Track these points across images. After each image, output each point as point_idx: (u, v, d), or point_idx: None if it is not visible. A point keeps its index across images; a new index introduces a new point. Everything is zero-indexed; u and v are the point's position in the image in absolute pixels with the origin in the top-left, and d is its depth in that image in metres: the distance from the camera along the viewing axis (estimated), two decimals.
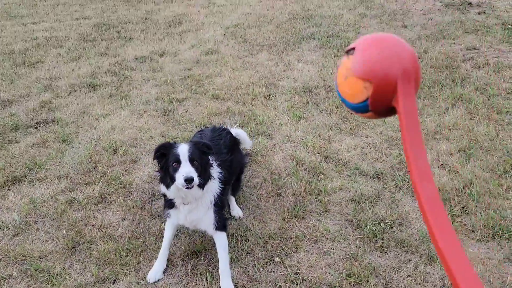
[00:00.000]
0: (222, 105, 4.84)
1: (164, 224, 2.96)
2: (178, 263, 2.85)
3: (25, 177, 3.69)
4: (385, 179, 3.53)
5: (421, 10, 7.72)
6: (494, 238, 2.88)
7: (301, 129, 4.32)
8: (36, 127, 4.51)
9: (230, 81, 5.41)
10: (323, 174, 3.62)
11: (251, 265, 2.81)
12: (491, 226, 2.95)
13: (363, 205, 3.25)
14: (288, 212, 3.22)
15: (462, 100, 4.58)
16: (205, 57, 6.28)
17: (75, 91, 5.32)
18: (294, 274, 2.73)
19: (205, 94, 5.14)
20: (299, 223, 3.14)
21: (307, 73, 5.56)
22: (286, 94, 5.03)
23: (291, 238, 3.00)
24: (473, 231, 2.95)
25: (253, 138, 4.19)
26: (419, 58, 5.71)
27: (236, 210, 3.27)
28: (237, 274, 2.74)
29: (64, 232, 3.08)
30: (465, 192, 3.27)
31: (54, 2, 9.78)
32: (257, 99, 4.94)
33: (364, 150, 3.93)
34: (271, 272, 2.76)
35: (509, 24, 6.60)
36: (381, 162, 3.74)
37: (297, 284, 2.65)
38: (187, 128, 4.38)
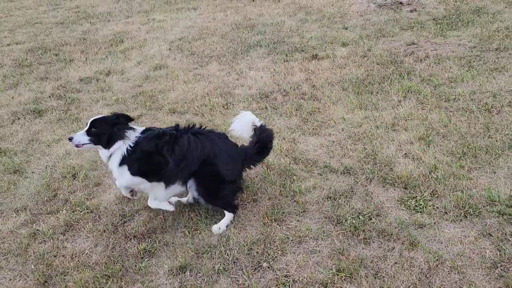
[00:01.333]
0: (181, 118, 4.74)
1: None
2: (165, 282, 2.71)
3: None
4: (355, 174, 3.60)
5: (357, 12, 8.06)
6: (466, 216, 3.02)
7: None
8: None
9: (185, 94, 5.32)
10: (295, 175, 3.63)
11: (240, 274, 2.74)
12: (461, 206, 3.09)
13: (339, 200, 3.29)
14: (267, 217, 3.19)
15: (411, 92, 4.80)
16: (154, 72, 6.13)
17: (19, 119, 4.98)
18: (285, 277, 2.70)
19: (161, 109, 5.00)
20: (280, 226, 3.12)
21: (261, 79, 5.59)
22: (244, 102, 5.02)
23: (275, 242, 2.96)
24: (445, 212, 3.08)
25: None
26: (365, 56, 5.94)
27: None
28: (228, 285, 2.66)
29: (33, 267, 2.85)
30: (431, 177, 3.42)
31: None
32: (215, 109, 4.89)
33: (330, 148, 3.99)
34: (261, 278, 2.71)
35: (439, 19, 7.05)
36: (348, 157, 3.82)
37: (289, 287, 2.62)
38: None
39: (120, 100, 5.28)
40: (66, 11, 10.22)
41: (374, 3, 8.46)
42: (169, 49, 7.10)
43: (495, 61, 5.26)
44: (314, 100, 4.92)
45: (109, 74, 6.16)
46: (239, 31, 7.69)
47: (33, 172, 3.93)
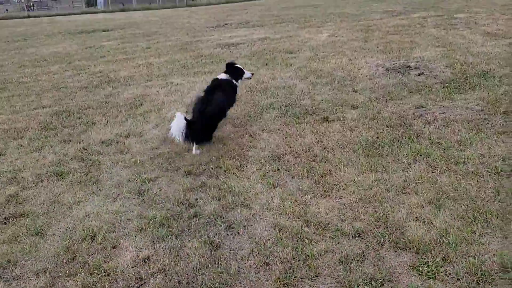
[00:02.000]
0: (196, 180, 4.90)
1: None
2: None
3: (0, 277, 3.49)
4: (366, 237, 3.65)
5: (367, 75, 8.39)
6: (479, 283, 3.02)
7: (277, 196, 4.43)
8: (5, 223, 4.32)
9: (200, 156, 5.52)
10: (307, 238, 3.69)
11: None
12: (474, 273, 3.10)
13: (351, 265, 3.33)
14: (279, 281, 3.23)
15: (421, 155, 4.92)
16: None
17: (42, 181, 5.19)
18: None
19: (177, 171, 5.19)
20: None
21: (273, 141, 5.78)
22: (257, 164, 5.19)
23: None
24: (458, 279, 3.08)
25: (232, 209, 4.25)
26: (374, 119, 6.13)
27: None
28: None
29: None
30: (443, 242, 3.45)
31: (8, 94, 9.69)
32: (229, 171, 5.05)
33: (341, 211, 4.07)
34: None
35: (446, 83, 7.30)
36: (359, 221, 3.88)
37: None
38: (164, 207, 4.37)
39: (138, 162, 5.49)
40: (90, 76, 10.82)
41: (382, 67, 8.81)
42: (186, 111, 7.41)
43: (503, 124, 5.39)
44: (325, 162, 5.06)
45: (129, 136, 6.45)
46: (253, 94, 8.04)
47: (53, 234, 4.06)
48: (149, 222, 4.14)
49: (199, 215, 4.19)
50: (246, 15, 26.90)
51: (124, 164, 5.51)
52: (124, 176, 5.15)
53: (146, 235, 3.96)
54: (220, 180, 4.87)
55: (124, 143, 6.19)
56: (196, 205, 4.39)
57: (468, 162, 4.61)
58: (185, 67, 11.11)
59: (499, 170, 4.35)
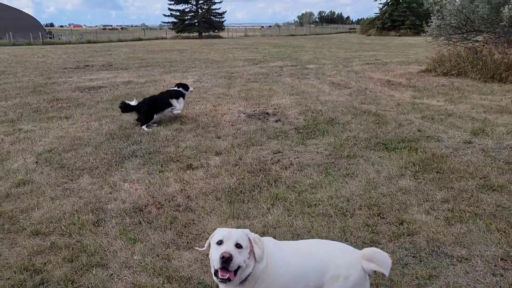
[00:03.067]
0: (44, 241, 4.39)
1: None
2: None
3: None
4: None
5: (229, 122, 8.71)
6: None
7: (138, 252, 4.20)
8: None
9: (51, 213, 5.00)
10: None
11: None
12: None
13: None
14: None
15: (279, 199, 5.19)
16: (17, 189, 5.69)
17: None
18: None
19: (21, 231, 4.59)
20: None
21: (135, 192, 5.55)
22: (117, 218, 4.89)
23: None
24: None
25: (86, 271, 3.89)
26: (236, 165, 6.34)
27: None
28: None
29: None
30: None
31: None
32: (85, 227, 4.66)
33: (203, 262, 4.02)
34: None
35: (300, 129, 7.96)
36: None
37: None
38: (4, 276, 3.80)
39: None
40: None
41: (244, 114, 9.27)
42: (36, 162, 6.73)
43: (346, 167, 6.03)
44: (189, 211, 5.01)
45: None
46: (114, 141, 7.70)
47: None
48: None
49: (47, 282, 3.72)
50: (110, 57, 26.19)
51: None
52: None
53: None
54: (73, 238, 4.45)
55: None
56: (44, 270, 3.90)
57: (319, 204, 5.02)
58: (37, 111, 10.20)
59: (344, 211, 4.82)
